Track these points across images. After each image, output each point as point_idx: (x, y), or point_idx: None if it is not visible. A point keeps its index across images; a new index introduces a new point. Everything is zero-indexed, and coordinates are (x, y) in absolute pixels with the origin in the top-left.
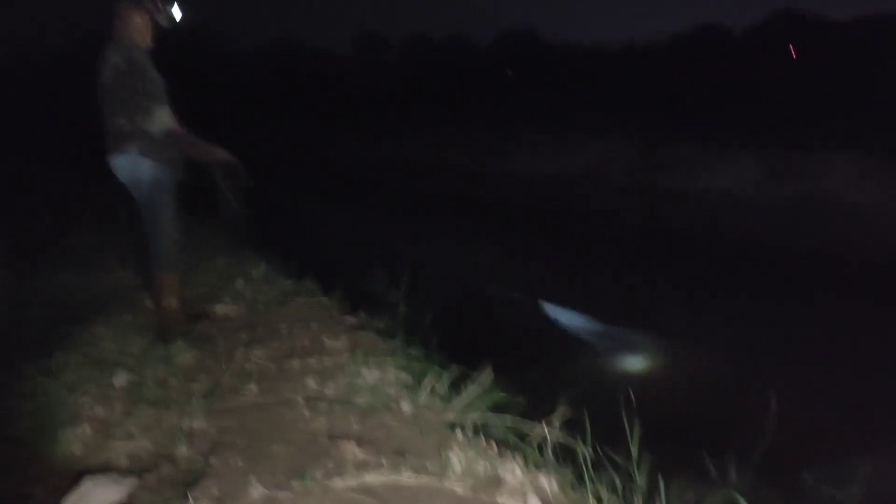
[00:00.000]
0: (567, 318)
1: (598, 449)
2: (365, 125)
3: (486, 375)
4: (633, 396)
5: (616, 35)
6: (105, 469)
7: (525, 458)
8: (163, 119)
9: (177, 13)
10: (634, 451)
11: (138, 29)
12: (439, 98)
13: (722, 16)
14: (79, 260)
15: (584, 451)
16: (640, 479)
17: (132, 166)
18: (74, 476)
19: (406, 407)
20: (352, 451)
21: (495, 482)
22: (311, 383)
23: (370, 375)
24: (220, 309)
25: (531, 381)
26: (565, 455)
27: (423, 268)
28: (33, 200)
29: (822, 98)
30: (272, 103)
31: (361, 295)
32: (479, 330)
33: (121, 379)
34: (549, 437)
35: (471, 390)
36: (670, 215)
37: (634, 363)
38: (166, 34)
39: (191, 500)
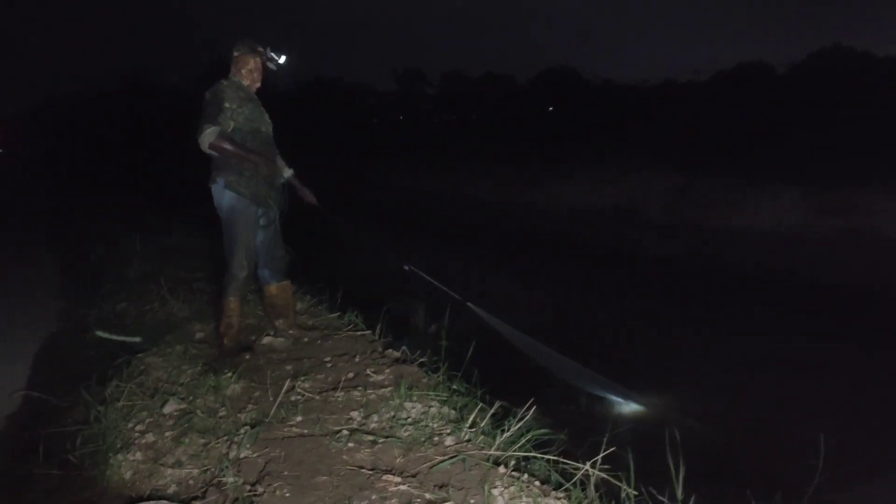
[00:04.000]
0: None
1: (643, 488)
2: (403, 157)
3: (528, 410)
4: (678, 437)
5: (658, 74)
6: (154, 495)
7: (568, 495)
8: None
9: (284, 60)
10: (679, 491)
11: (249, 70)
12: (478, 131)
13: (769, 54)
14: (134, 290)
15: (628, 491)
16: None
17: (217, 195)
18: (126, 501)
19: (449, 441)
20: (395, 484)
21: None
22: (356, 416)
23: (413, 409)
24: (267, 341)
25: (574, 418)
26: (609, 494)
27: (463, 301)
28: (88, 230)
29: (865, 134)
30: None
31: (404, 327)
32: (517, 363)
33: (171, 407)
34: (591, 476)
35: (514, 426)
36: (709, 252)
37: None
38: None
39: None
